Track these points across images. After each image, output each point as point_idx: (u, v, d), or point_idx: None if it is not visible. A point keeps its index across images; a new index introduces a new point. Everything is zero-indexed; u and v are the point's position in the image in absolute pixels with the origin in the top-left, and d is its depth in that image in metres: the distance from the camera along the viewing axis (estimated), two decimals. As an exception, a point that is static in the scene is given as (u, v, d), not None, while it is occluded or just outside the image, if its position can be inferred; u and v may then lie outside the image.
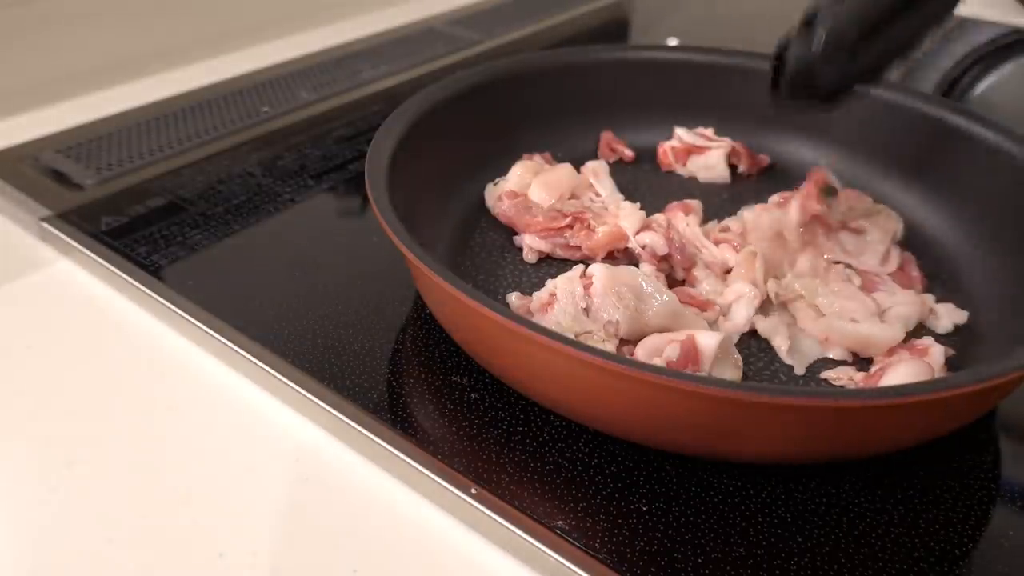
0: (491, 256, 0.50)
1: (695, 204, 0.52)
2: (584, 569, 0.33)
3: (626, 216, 0.49)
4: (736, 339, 0.44)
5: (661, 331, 0.41)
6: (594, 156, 0.60)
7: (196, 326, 0.44)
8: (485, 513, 0.35)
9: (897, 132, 0.56)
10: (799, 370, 0.43)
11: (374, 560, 0.34)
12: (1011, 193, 0.49)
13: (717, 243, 0.49)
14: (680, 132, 0.61)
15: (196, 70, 0.76)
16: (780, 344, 0.43)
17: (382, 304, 0.46)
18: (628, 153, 0.61)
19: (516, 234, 0.51)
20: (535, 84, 0.59)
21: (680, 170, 0.60)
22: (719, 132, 0.61)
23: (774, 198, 0.52)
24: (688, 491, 0.36)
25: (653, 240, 0.47)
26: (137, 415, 0.40)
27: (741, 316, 0.45)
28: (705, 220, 0.52)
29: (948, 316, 0.46)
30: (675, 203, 0.52)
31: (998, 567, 0.34)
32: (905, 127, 0.55)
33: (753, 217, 0.49)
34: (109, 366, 0.43)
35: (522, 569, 0.34)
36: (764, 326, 0.44)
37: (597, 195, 0.54)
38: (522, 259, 0.50)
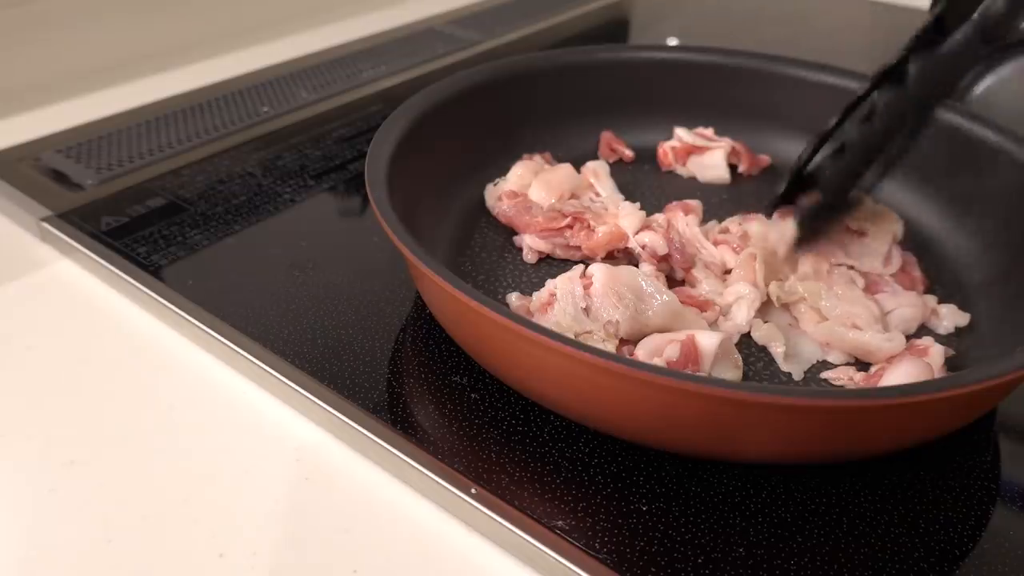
0: (491, 256, 0.50)
1: (695, 204, 0.52)
2: (584, 569, 0.33)
3: (626, 216, 0.49)
4: (736, 339, 0.44)
5: (661, 331, 0.41)
6: (594, 156, 0.60)
7: (196, 326, 0.44)
8: (485, 513, 0.35)
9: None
10: (797, 376, 0.42)
11: (374, 560, 0.34)
12: (1011, 193, 0.49)
13: (716, 244, 0.49)
14: (680, 132, 0.61)
15: (196, 70, 0.76)
16: (777, 351, 0.43)
17: (382, 304, 0.46)
18: (628, 153, 0.61)
19: (516, 234, 0.51)
20: (535, 84, 0.59)
21: (680, 170, 0.60)
22: (719, 132, 0.61)
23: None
24: (688, 491, 0.36)
25: (653, 240, 0.47)
26: (137, 415, 0.40)
27: (741, 317, 0.44)
28: (705, 220, 0.52)
29: (950, 317, 0.45)
30: (675, 203, 0.52)
31: (998, 567, 0.34)
32: (905, 127, 0.55)
33: (759, 230, 0.49)
34: (109, 366, 0.43)
35: (522, 569, 0.34)
36: (760, 334, 0.44)
37: (597, 195, 0.54)
38: (522, 259, 0.50)
